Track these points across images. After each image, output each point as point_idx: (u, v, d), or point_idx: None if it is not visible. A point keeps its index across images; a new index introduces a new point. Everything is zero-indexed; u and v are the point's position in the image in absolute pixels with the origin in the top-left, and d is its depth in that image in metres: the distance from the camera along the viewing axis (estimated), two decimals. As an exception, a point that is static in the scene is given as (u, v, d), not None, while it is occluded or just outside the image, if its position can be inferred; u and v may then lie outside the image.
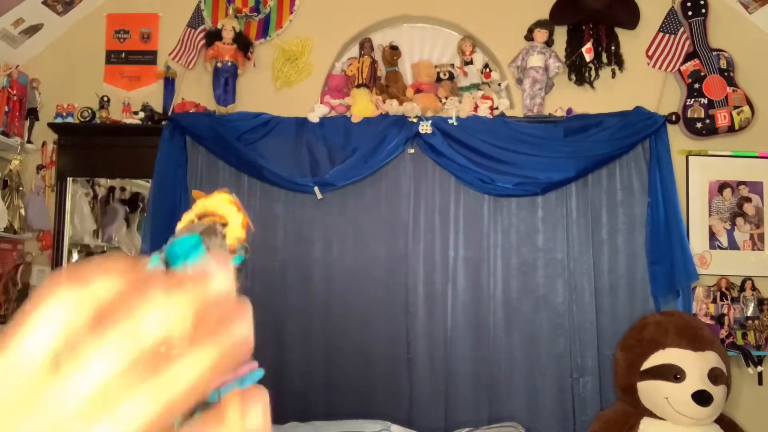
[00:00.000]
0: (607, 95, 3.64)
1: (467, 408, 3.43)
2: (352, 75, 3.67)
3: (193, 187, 3.62)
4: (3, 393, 0.34)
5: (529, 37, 3.66)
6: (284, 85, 3.73)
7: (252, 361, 1.31)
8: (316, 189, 3.46)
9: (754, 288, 3.52)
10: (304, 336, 3.49)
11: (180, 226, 1.90)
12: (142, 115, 3.69)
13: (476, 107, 3.56)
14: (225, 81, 3.66)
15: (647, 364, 2.83)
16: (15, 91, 3.59)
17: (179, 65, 3.72)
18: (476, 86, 3.69)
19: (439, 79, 3.67)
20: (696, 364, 2.76)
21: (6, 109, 3.53)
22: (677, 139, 3.59)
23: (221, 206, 1.89)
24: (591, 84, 3.66)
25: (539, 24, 3.64)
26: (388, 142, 3.49)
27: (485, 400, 3.44)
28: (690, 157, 3.62)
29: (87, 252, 3.94)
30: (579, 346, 3.44)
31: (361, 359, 3.45)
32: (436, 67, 3.70)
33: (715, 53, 3.58)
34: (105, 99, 3.75)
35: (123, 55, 3.86)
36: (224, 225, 1.86)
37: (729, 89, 3.53)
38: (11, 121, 3.57)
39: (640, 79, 3.65)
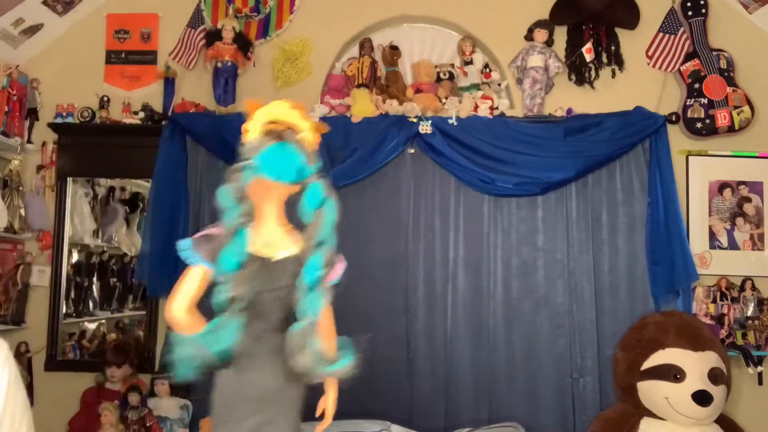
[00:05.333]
0: (607, 95, 3.64)
1: (467, 408, 3.43)
2: (352, 75, 3.67)
3: (193, 188, 3.61)
4: None
5: (529, 37, 3.66)
6: (284, 85, 3.73)
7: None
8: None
9: (754, 288, 3.52)
10: (304, 336, 3.48)
11: (250, 135, 1.95)
12: (142, 115, 3.69)
13: (476, 107, 3.56)
14: (225, 81, 3.66)
15: (647, 364, 2.82)
16: (15, 91, 3.58)
17: (179, 65, 3.72)
18: (476, 86, 3.69)
19: (439, 79, 3.67)
20: (696, 364, 2.76)
21: (6, 109, 3.53)
22: (677, 139, 3.59)
23: (286, 113, 1.97)
24: (591, 84, 3.66)
25: (539, 24, 3.64)
26: (388, 142, 3.49)
27: (485, 400, 3.44)
28: (690, 157, 3.62)
29: (87, 252, 3.94)
30: (579, 346, 3.44)
31: (362, 359, 3.44)
32: (436, 67, 3.70)
33: (715, 53, 3.58)
34: (105, 99, 3.75)
35: (123, 55, 3.86)
36: (294, 131, 1.94)
37: (729, 89, 3.53)
38: (11, 121, 3.57)
39: (640, 79, 3.65)
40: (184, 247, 1.93)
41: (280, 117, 2.04)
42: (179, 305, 1.90)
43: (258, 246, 1.97)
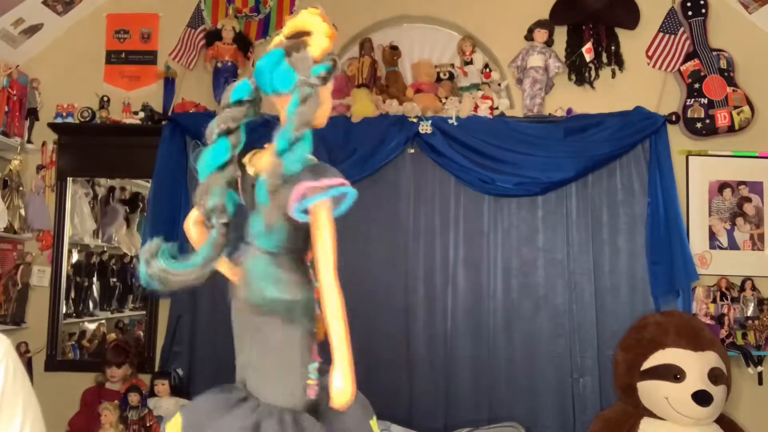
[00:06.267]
0: (607, 95, 3.64)
1: (467, 408, 3.43)
2: (352, 75, 3.66)
3: (193, 188, 3.60)
4: None
5: (529, 37, 3.66)
6: (284, 85, 3.72)
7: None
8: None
9: (754, 288, 3.52)
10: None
11: (270, 45, 1.74)
12: (142, 115, 3.69)
13: (476, 107, 3.56)
14: (225, 81, 3.64)
15: (647, 364, 2.83)
16: (15, 91, 3.58)
17: (179, 65, 3.72)
18: (476, 86, 3.69)
19: (439, 79, 3.67)
20: (696, 364, 2.76)
21: (6, 109, 3.53)
22: (677, 139, 3.59)
23: (307, 20, 1.75)
24: (591, 84, 3.66)
25: (539, 24, 3.64)
26: (388, 142, 3.49)
27: (485, 400, 3.44)
28: (690, 157, 3.61)
29: (87, 252, 3.94)
30: (579, 346, 3.44)
31: (361, 359, 3.44)
32: (436, 67, 3.70)
33: (715, 53, 3.58)
34: (105, 99, 3.75)
35: (123, 55, 3.86)
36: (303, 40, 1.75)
37: (729, 89, 3.53)
38: (11, 121, 3.57)
39: (640, 79, 3.65)
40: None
41: (300, 26, 1.81)
42: (189, 218, 1.87)
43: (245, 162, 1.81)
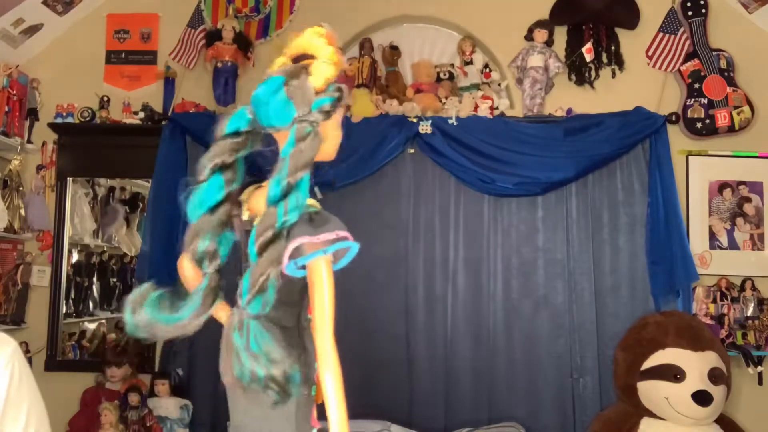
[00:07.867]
0: (607, 95, 3.64)
1: (467, 408, 3.43)
2: (352, 75, 3.66)
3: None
4: None
5: (529, 37, 3.66)
6: (284, 85, 3.73)
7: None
8: (316, 189, 3.45)
9: (754, 288, 3.52)
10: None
11: (271, 69, 1.54)
12: (142, 115, 3.70)
13: (476, 107, 3.56)
14: (225, 81, 3.66)
15: (647, 364, 2.83)
16: (15, 91, 3.58)
17: (179, 65, 3.72)
18: (476, 86, 3.69)
19: (439, 79, 3.67)
20: (696, 364, 2.76)
21: (6, 109, 3.53)
22: (677, 139, 3.59)
23: (311, 42, 1.53)
24: (591, 84, 3.66)
25: (539, 24, 3.64)
26: (388, 142, 3.49)
27: (485, 400, 3.44)
28: (690, 157, 3.61)
29: (87, 252, 3.94)
30: (579, 346, 3.44)
31: (362, 359, 3.45)
32: (436, 67, 3.70)
33: (715, 53, 3.58)
34: (105, 99, 3.75)
35: (123, 55, 3.87)
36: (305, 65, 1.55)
37: (729, 89, 3.53)
38: (11, 121, 3.57)
39: (640, 79, 3.65)
40: None
41: (304, 48, 1.60)
42: (182, 257, 1.64)
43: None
